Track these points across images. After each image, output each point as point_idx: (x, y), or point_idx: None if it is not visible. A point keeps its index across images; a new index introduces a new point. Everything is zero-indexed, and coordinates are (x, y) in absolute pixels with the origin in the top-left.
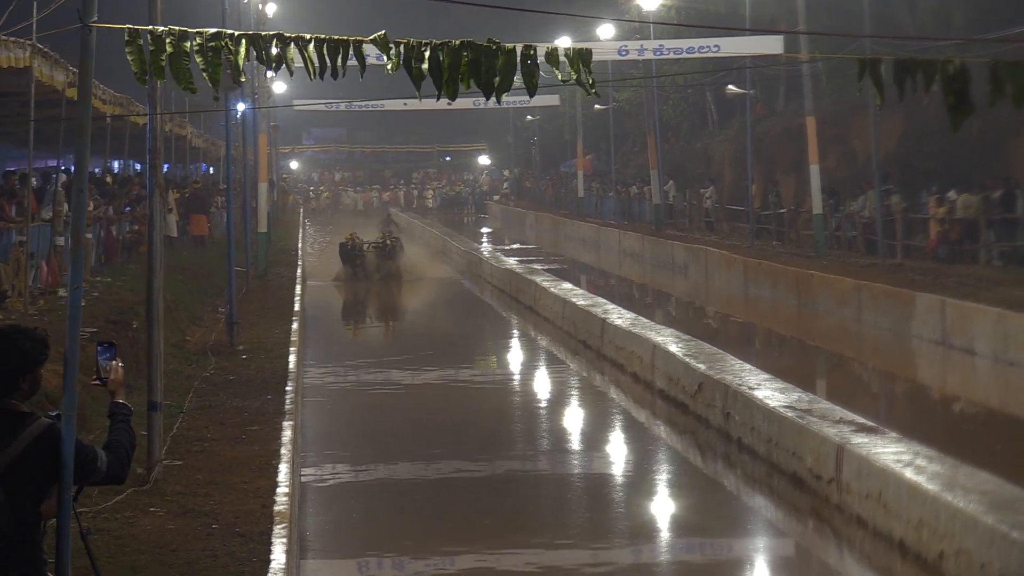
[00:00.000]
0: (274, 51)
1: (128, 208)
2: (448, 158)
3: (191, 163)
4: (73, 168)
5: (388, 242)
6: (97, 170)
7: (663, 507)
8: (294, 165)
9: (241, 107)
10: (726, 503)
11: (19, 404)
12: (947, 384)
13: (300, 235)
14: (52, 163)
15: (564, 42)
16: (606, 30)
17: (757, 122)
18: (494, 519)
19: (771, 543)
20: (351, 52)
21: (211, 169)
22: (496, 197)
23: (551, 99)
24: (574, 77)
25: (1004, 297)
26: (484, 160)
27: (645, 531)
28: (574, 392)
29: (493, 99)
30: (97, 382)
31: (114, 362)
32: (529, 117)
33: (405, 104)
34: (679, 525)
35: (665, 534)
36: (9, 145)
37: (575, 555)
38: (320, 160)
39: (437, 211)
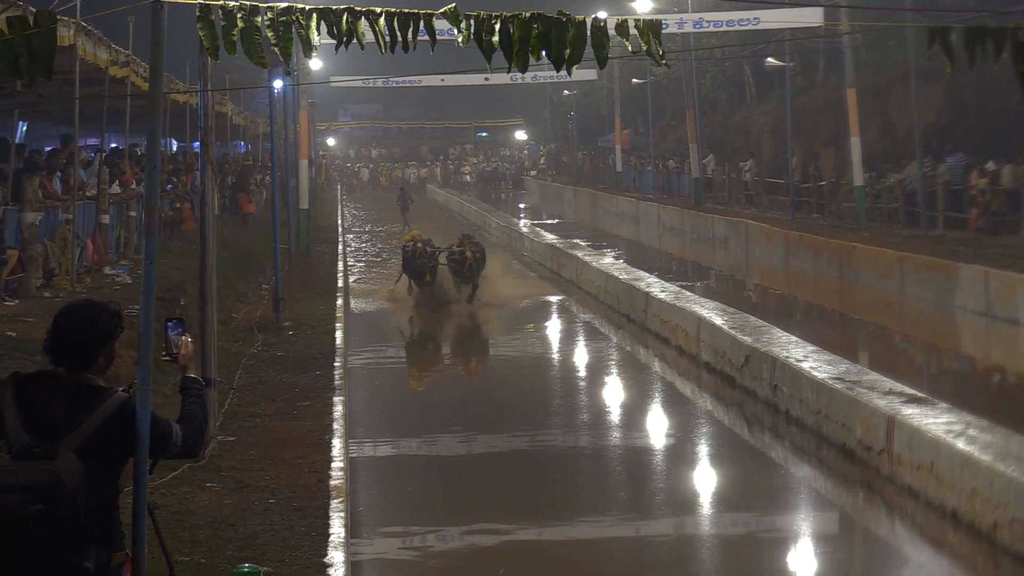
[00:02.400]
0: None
1: (169, 187)
2: (484, 134)
3: (231, 140)
4: (113, 145)
5: (468, 253)
6: (139, 150)
7: (709, 480)
8: (331, 142)
9: (279, 84)
10: (775, 475)
11: (95, 378)
12: (992, 355)
13: (339, 212)
14: (92, 142)
15: (600, 15)
16: (643, 3)
17: (796, 95)
18: (537, 493)
19: (820, 515)
20: (421, 25)
21: (247, 147)
22: (533, 172)
23: (588, 73)
24: (645, 48)
25: None
26: (521, 135)
27: (689, 504)
28: (618, 366)
29: (529, 75)
30: (167, 358)
31: (184, 337)
32: (566, 92)
33: (443, 80)
34: (725, 498)
35: (710, 507)
36: (47, 124)
37: (619, 528)
38: (356, 137)
39: (474, 187)
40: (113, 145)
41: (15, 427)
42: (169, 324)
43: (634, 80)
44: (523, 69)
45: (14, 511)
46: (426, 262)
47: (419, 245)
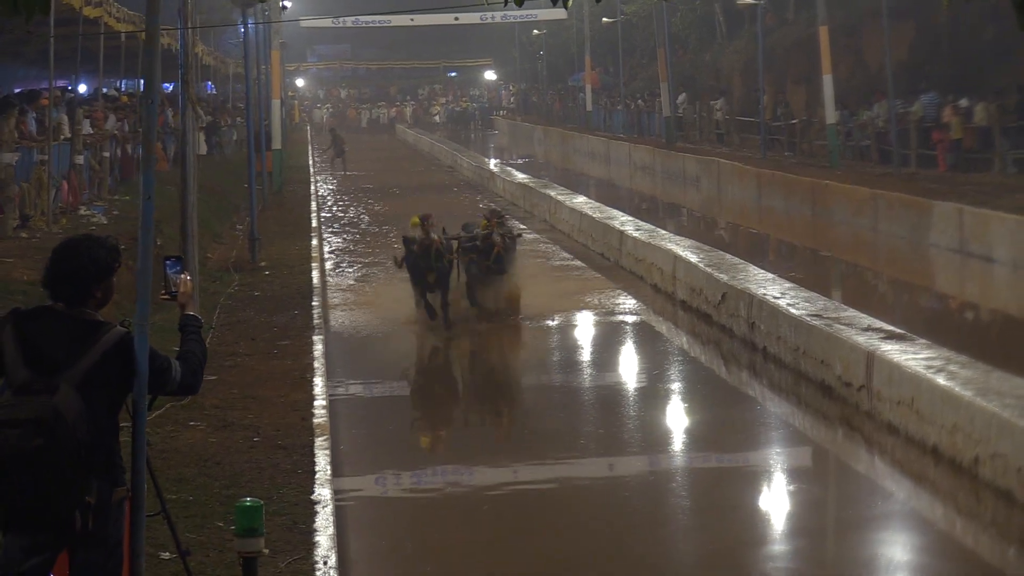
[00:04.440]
0: None
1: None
2: (454, 73)
3: (200, 81)
4: (86, 88)
5: (497, 238)
6: (105, 89)
7: (685, 418)
8: (300, 83)
9: (250, 24)
10: (752, 412)
11: (93, 313)
12: (967, 292)
13: (310, 151)
14: (62, 83)
15: None
16: None
17: (767, 33)
18: (512, 431)
19: (798, 451)
20: None
21: (213, 88)
22: (502, 112)
23: (558, 13)
24: None
25: (1021, 204)
26: (490, 75)
27: (665, 442)
28: (592, 305)
29: (499, 14)
30: (167, 296)
31: (183, 275)
32: (536, 32)
33: (412, 20)
34: (701, 435)
35: (686, 445)
36: (17, 65)
37: (593, 465)
38: (325, 78)
39: (444, 127)
40: (83, 87)
41: (15, 362)
42: (168, 262)
43: (604, 19)
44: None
45: (15, 445)
46: (441, 259)
47: (435, 238)
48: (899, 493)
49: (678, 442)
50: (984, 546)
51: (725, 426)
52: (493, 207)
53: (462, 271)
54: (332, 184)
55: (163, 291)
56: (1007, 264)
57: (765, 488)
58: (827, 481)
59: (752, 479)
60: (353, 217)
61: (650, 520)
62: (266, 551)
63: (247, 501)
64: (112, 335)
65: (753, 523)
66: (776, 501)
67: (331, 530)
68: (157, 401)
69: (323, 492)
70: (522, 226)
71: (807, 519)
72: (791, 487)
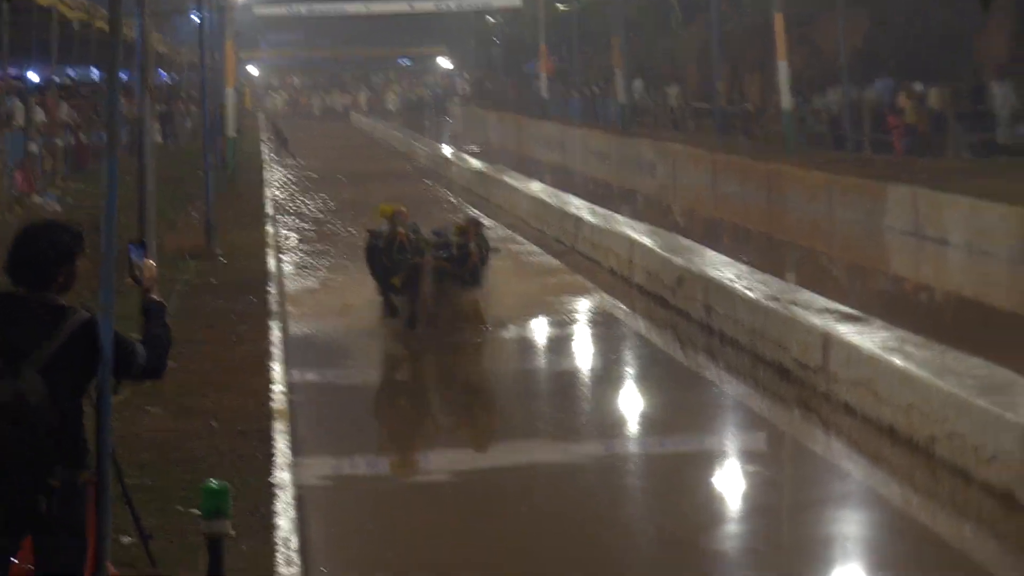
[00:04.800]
0: None
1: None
2: (408, 62)
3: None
4: (39, 76)
5: (473, 247)
6: (56, 78)
7: (641, 401)
8: (253, 71)
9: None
10: (709, 395)
11: (57, 297)
12: (922, 274)
13: (262, 138)
14: (14, 71)
15: None
16: None
17: (722, 20)
18: (469, 417)
19: (756, 433)
20: None
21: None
22: (457, 100)
23: (513, 0)
24: None
25: (975, 187)
26: (445, 63)
27: (621, 426)
28: (549, 290)
29: (454, 2)
30: (131, 281)
31: (147, 260)
32: (490, 19)
33: (366, 8)
34: (658, 419)
35: (642, 429)
36: None
37: (552, 450)
38: (279, 65)
39: (399, 114)
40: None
41: None
42: (132, 247)
43: (559, 6)
44: None
45: None
46: (407, 258)
47: (400, 231)
48: (856, 473)
49: (636, 426)
50: (941, 524)
51: (682, 409)
52: (471, 215)
53: (431, 278)
54: (286, 172)
55: (127, 276)
56: (961, 247)
57: (722, 470)
58: (784, 462)
59: (709, 461)
60: (308, 204)
61: (609, 503)
62: (232, 533)
63: (213, 483)
64: (77, 319)
65: (711, 505)
66: (733, 483)
67: (292, 514)
68: (119, 386)
69: (283, 476)
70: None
71: (764, 500)
72: (748, 469)
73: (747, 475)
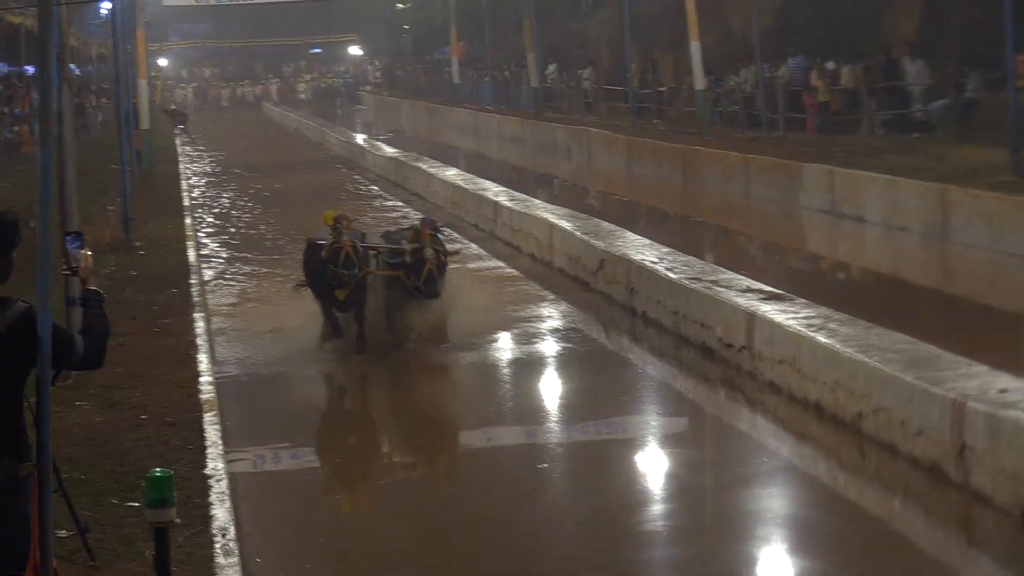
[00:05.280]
0: None
1: (17, 111)
2: (319, 50)
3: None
4: None
5: (429, 253)
6: None
7: (563, 387)
8: (163, 63)
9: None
10: (633, 377)
11: None
12: (840, 252)
13: (174, 131)
14: None
15: None
16: None
17: (633, 1)
18: (394, 405)
19: (681, 413)
20: None
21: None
22: (368, 88)
23: None
24: None
25: (890, 164)
26: (355, 51)
27: (543, 413)
28: (470, 276)
29: None
30: (68, 271)
31: (83, 251)
32: (400, 5)
33: None
34: (581, 403)
35: (565, 414)
36: None
37: (473, 438)
38: (189, 57)
39: (310, 103)
40: None
41: None
42: (68, 238)
43: None
44: None
45: None
46: (353, 269)
47: (345, 240)
48: (782, 450)
49: (558, 411)
50: (868, 498)
51: (606, 392)
52: (426, 216)
53: (381, 291)
54: (201, 164)
55: (64, 267)
56: (878, 224)
57: (647, 451)
58: (709, 441)
59: (633, 443)
60: (224, 196)
61: (531, 489)
62: (178, 520)
63: (157, 472)
64: (15, 310)
65: (635, 486)
66: (658, 463)
67: (228, 503)
68: (59, 377)
69: (217, 466)
70: (460, 241)
71: (689, 479)
72: (673, 449)
73: (673, 455)
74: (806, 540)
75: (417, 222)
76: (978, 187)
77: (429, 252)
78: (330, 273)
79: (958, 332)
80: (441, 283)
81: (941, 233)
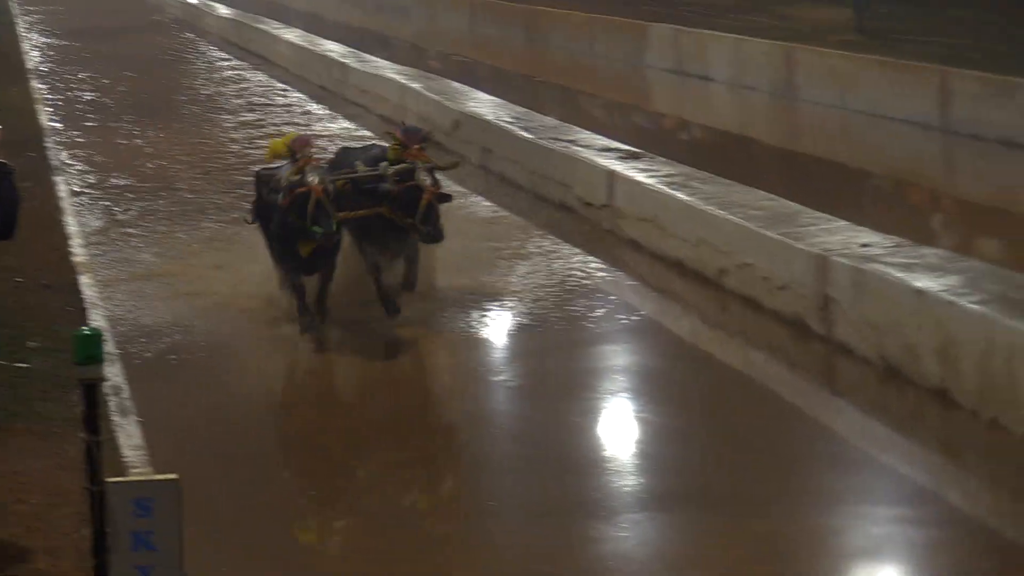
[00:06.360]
0: None
1: None
2: None
3: None
4: None
5: (425, 179)
6: None
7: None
8: None
9: None
10: (493, 234)
11: None
12: (689, 111)
13: None
14: None
15: None
16: None
17: None
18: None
19: (534, 269)
20: None
21: None
22: None
23: None
24: None
25: (735, 24)
26: None
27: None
28: (318, 132)
29: None
30: None
31: None
32: None
33: None
34: (435, 266)
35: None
36: None
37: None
38: None
39: None
40: None
41: None
42: None
43: None
44: None
45: None
46: (329, 227)
47: (313, 183)
48: (644, 307)
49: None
50: (730, 351)
51: (462, 255)
52: (410, 124)
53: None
54: (32, 22)
55: None
56: (725, 83)
57: (497, 312)
58: (567, 299)
59: (485, 303)
60: (69, 65)
61: (403, 372)
62: (108, 378)
63: (85, 330)
64: None
65: (486, 351)
66: (510, 324)
67: (119, 365)
68: None
69: (100, 322)
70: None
71: (540, 340)
72: (527, 308)
73: (525, 314)
74: (660, 392)
75: (397, 133)
76: (823, 45)
77: (422, 176)
78: (293, 226)
79: (809, 189)
80: (437, 213)
81: (788, 92)
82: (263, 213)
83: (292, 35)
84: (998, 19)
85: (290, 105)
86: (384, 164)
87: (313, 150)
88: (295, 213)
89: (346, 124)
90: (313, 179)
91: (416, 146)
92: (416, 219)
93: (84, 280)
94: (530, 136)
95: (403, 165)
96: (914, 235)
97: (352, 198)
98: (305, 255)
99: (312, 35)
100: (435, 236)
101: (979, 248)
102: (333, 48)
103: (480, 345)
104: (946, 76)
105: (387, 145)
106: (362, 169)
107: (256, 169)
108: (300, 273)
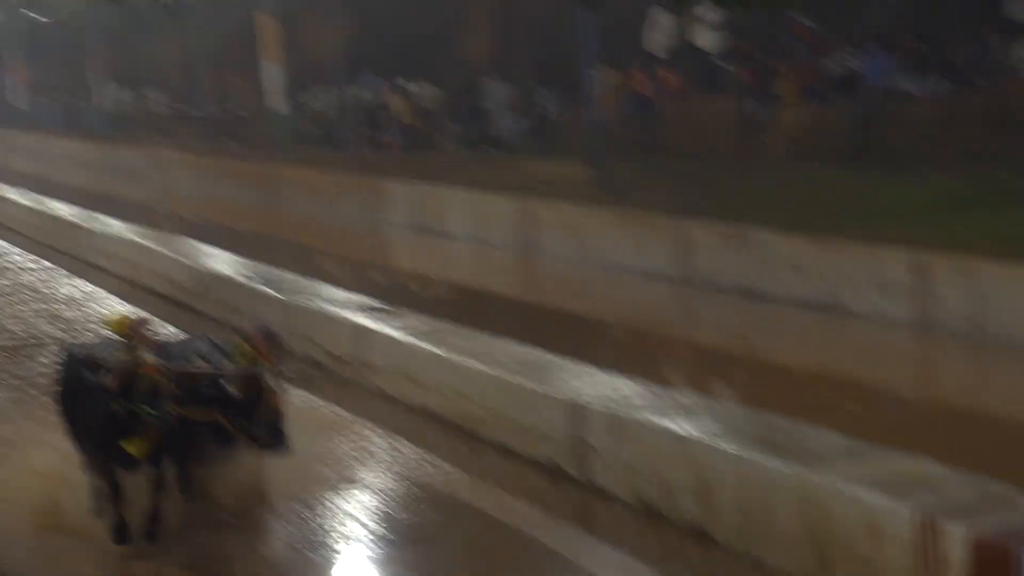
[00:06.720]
0: None
1: None
2: None
3: None
4: None
5: (266, 377)
6: None
7: None
8: None
9: None
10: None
11: None
12: (431, 266)
13: None
14: None
15: None
16: None
17: (205, 23)
18: None
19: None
20: None
21: None
22: None
23: None
24: None
25: (471, 179)
26: None
27: None
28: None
29: None
30: None
31: None
32: None
33: None
34: None
35: None
36: None
37: None
38: None
39: None
40: None
41: None
42: None
43: (37, 17)
44: None
45: None
46: (164, 412)
47: (147, 362)
48: (397, 459)
49: None
50: (487, 499)
51: None
52: (259, 323)
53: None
54: None
55: None
56: (464, 239)
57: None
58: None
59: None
60: None
61: None
62: None
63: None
64: None
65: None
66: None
67: None
68: None
69: None
70: None
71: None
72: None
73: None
74: (413, 542)
75: (251, 331)
76: (563, 201)
77: (269, 380)
78: (118, 413)
79: (553, 340)
80: (283, 420)
81: (528, 246)
82: (77, 401)
83: (16, 194)
84: (728, 172)
85: (22, 267)
86: (225, 363)
87: (146, 332)
88: (125, 398)
89: (86, 287)
90: (150, 359)
91: (267, 350)
92: (261, 428)
93: None
94: (270, 292)
95: (250, 369)
96: (656, 380)
97: (186, 394)
98: (133, 452)
99: (41, 196)
100: (279, 446)
101: (723, 392)
102: (64, 208)
103: None
104: (681, 228)
105: (211, 340)
106: (204, 370)
107: (68, 344)
108: (118, 468)
